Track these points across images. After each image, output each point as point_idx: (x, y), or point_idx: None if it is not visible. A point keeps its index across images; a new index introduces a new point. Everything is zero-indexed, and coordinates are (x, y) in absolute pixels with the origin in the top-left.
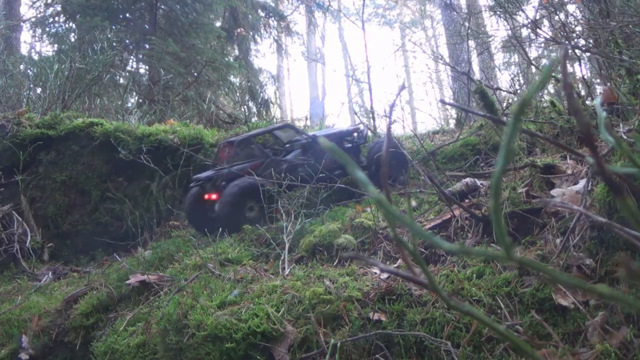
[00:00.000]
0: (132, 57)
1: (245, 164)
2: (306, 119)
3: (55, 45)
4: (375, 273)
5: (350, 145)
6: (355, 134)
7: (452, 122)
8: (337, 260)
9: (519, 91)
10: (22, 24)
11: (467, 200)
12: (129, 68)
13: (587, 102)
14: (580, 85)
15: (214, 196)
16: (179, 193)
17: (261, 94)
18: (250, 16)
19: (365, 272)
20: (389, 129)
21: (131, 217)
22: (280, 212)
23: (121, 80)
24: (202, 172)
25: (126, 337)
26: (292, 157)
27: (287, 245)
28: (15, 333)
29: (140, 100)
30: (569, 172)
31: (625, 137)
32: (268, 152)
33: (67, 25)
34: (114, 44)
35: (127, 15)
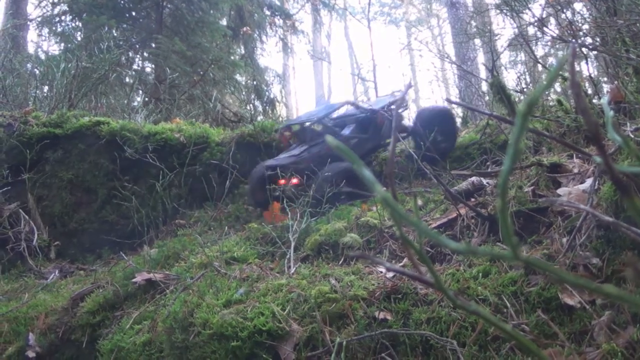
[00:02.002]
0: (138, 55)
1: (320, 148)
2: None
3: (62, 44)
4: (381, 272)
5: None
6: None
7: (458, 121)
8: (342, 259)
9: (525, 90)
10: (28, 23)
11: (473, 199)
12: (135, 67)
13: (594, 101)
14: (587, 84)
15: (294, 181)
16: (184, 191)
17: (267, 93)
18: (256, 15)
19: (371, 271)
20: (394, 128)
21: (137, 215)
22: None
23: (127, 79)
24: (204, 167)
25: (132, 335)
26: (348, 133)
27: (292, 244)
28: (22, 331)
29: (146, 99)
30: (576, 171)
31: (632, 136)
32: (338, 131)
33: (73, 24)
34: (120, 43)
35: (133, 14)
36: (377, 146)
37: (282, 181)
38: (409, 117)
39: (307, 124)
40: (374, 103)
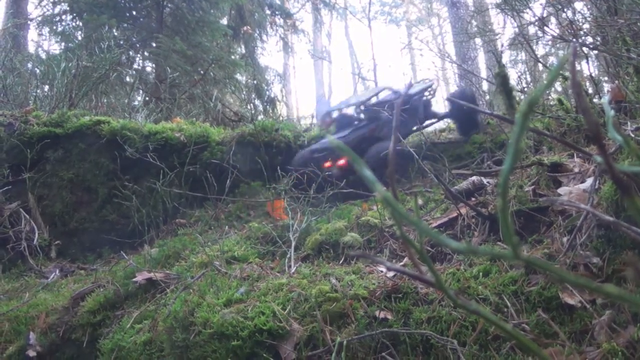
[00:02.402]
0: (138, 55)
1: (363, 129)
2: (312, 117)
3: (63, 44)
4: (382, 271)
5: (424, 99)
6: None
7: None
8: (343, 259)
9: (526, 89)
10: (29, 22)
11: (473, 199)
12: (135, 66)
13: (595, 100)
14: (587, 83)
15: (342, 161)
16: (185, 191)
17: (267, 92)
18: (256, 14)
19: (372, 270)
20: (396, 128)
21: (138, 215)
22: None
23: (128, 79)
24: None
25: (133, 335)
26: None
27: (293, 244)
28: (22, 330)
29: (147, 98)
30: (576, 170)
31: (632, 136)
32: (379, 114)
33: (74, 24)
34: (121, 42)
35: (134, 13)
36: (415, 128)
37: (329, 163)
38: (437, 104)
39: (347, 109)
40: (407, 89)
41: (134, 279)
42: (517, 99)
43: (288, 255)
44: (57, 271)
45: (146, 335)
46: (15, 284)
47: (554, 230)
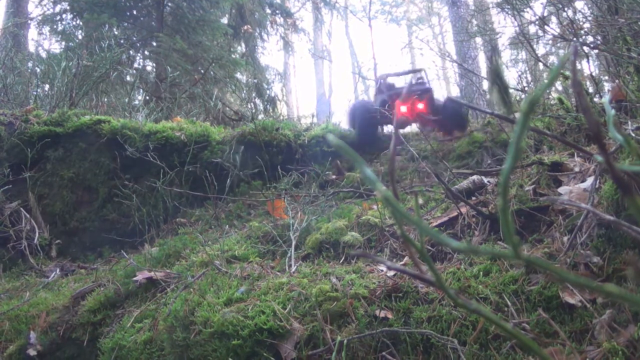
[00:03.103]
0: (139, 54)
1: (421, 85)
2: (313, 116)
3: (63, 43)
4: (382, 271)
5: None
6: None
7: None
8: (343, 258)
9: (526, 88)
10: (29, 21)
11: (474, 198)
12: (136, 65)
13: (596, 100)
14: (588, 83)
15: (420, 106)
16: (185, 190)
17: (268, 91)
18: (257, 13)
19: (372, 269)
20: (396, 128)
21: (138, 214)
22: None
23: (128, 78)
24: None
25: (133, 334)
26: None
27: (293, 243)
28: (23, 329)
29: (147, 98)
30: (577, 169)
31: (633, 135)
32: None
33: (74, 23)
34: (121, 41)
35: (134, 12)
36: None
37: (404, 107)
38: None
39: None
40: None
41: (135, 278)
42: (517, 97)
43: (288, 255)
44: (58, 270)
45: (146, 334)
46: (16, 283)
47: (555, 230)
